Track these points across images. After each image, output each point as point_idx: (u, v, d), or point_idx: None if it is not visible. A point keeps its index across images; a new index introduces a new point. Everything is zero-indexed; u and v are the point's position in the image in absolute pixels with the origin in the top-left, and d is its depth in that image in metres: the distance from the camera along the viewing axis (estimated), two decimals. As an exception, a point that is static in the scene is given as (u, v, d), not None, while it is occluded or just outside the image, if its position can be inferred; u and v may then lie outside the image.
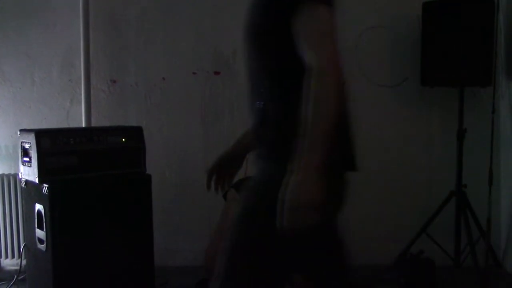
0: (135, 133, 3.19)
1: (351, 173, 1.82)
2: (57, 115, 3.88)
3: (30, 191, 3.08)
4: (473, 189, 3.59)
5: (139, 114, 3.90)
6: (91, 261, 2.94)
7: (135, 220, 3.09)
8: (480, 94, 3.82)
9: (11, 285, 3.41)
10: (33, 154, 2.94)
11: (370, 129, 3.92)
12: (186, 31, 3.83)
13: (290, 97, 1.59)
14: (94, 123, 3.81)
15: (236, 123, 3.86)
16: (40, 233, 2.96)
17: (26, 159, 3.03)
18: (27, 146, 3.01)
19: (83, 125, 3.78)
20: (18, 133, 3.14)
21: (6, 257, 3.74)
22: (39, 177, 2.91)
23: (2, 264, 3.80)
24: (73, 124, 3.85)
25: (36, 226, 2.99)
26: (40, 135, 2.93)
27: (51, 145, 2.94)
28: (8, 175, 3.72)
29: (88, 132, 3.17)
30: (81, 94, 3.82)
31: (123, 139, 3.15)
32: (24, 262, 3.33)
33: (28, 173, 3.03)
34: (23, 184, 3.16)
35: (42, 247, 2.94)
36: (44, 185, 2.88)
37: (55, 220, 2.86)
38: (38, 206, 2.96)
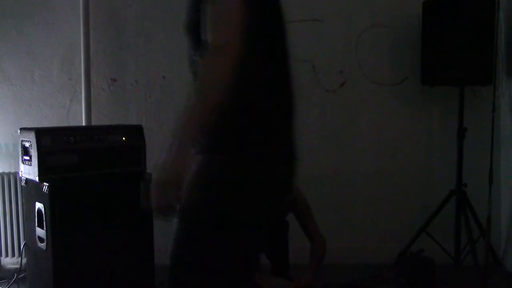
0: (135, 132, 3.19)
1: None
2: (57, 113, 3.88)
3: (30, 189, 3.08)
4: (473, 188, 3.60)
5: (139, 112, 3.90)
6: (91, 260, 2.94)
7: (136, 219, 3.09)
8: (480, 93, 3.82)
9: (12, 284, 3.42)
10: (33, 152, 2.94)
11: (370, 128, 3.93)
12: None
13: None
14: (94, 122, 3.81)
15: (236, 122, 3.85)
16: (40, 232, 2.96)
17: (26, 157, 3.04)
18: (27, 144, 3.01)
19: (83, 124, 3.78)
20: (18, 131, 3.14)
21: (7, 255, 3.75)
22: (39, 175, 2.91)
23: (2, 263, 3.80)
24: (73, 123, 3.85)
25: (36, 224, 2.99)
26: (40, 133, 2.94)
27: (51, 144, 2.94)
28: (8, 174, 3.72)
29: (88, 131, 3.18)
30: (81, 93, 3.82)
31: (123, 138, 3.15)
32: (24, 260, 3.33)
33: (28, 171, 3.03)
34: (23, 183, 3.16)
35: (42, 245, 2.94)
36: (44, 183, 2.88)
37: (55, 219, 2.86)
38: (38, 205, 2.96)
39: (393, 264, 3.69)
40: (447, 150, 3.79)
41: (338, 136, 3.93)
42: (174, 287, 1.72)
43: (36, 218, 2.98)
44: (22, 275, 3.38)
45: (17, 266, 3.49)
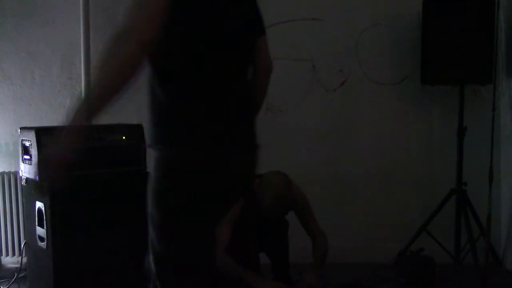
0: (136, 131, 3.19)
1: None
2: (57, 112, 3.87)
3: (30, 189, 3.08)
4: (473, 187, 3.60)
5: (139, 112, 3.89)
6: (92, 259, 2.94)
7: (136, 218, 3.08)
8: (480, 92, 3.82)
9: (12, 283, 3.42)
10: (34, 152, 2.94)
11: (370, 127, 3.93)
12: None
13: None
14: (94, 121, 3.80)
15: (236, 121, 3.85)
16: (40, 231, 2.97)
17: (27, 157, 3.04)
18: (27, 144, 3.02)
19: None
20: (19, 131, 3.14)
21: (7, 255, 3.75)
22: (39, 175, 2.90)
23: (2, 262, 3.80)
24: (73, 122, 3.84)
25: (36, 224, 2.99)
26: (41, 133, 2.94)
27: (52, 143, 2.93)
28: (8, 173, 3.72)
29: (88, 130, 3.17)
30: (81, 92, 3.82)
31: (124, 137, 3.15)
32: (24, 260, 3.33)
33: (29, 170, 3.03)
34: (23, 182, 3.16)
35: (43, 245, 2.94)
36: (45, 182, 2.88)
37: (56, 218, 2.86)
38: (39, 204, 2.97)
39: (393, 264, 3.69)
40: (447, 149, 3.79)
41: (338, 135, 3.93)
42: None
43: (37, 217, 2.98)
44: (23, 274, 3.38)
45: (18, 265, 3.49)
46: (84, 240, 2.92)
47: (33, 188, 3.03)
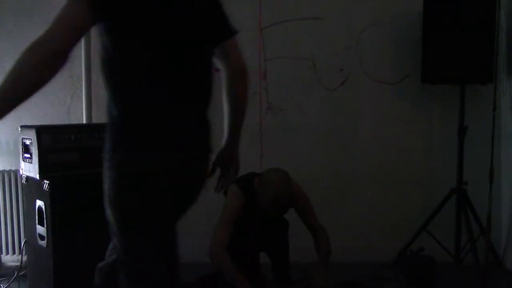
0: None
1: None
2: (58, 111, 3.88)
3: (31, 187, 3.08)
4: (473, 186, 3.59)
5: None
6: (91, 257, 2.94)
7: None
8: (481, 92, 3.82)
9: (12, 281, 3.42)
10: (34, 150, 2.94)
11: (370, 126, 3.93)
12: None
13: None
14: (95, 119, 3.81)
15: (236, 120, 3.85)
16: (40, 229, 2.97)
17: (27, 155, 3.04)
18: (28, 142, 3.02)
19: (84, 121, 3.78)
20: (19, 129, 3.14)
21: (7, 253, 3.75)
22: (39, 173, 2.91)
23: (3, 260, 3.81)
24: (74, 120, 3.85)
25: (36, 222, 2.99)
26: (41, 131, 2.94)
27: (52, 142, 2.94)
28: (9, 171, 3.72)
29: (89, 128, 3.18)
30: (82, 90, 3.82)
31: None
32: (25, 258, 3.34)
33: (29, 169, 3.03)
34: (24, 180, 3.16)
35: (43, 243, 2.95)
36: (45, 181, 2.88)
37: (56, 217, 2.86)
38: (39, 203, 2.97)
39: (393, 263, 3.69)
40: (447, 148, 3.79)
41: (339, 134, 3.93)
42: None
43: (37, 216, 2.98)
44: (23, 272, 3.38)
45: (18, 263, 3.49)
46: (84, 239, 2.92)
47: (34, 187, 3.03)
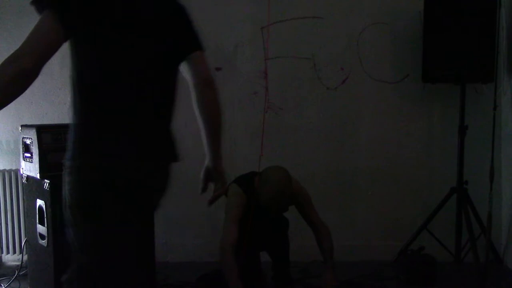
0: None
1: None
2: (58, 110, 3.87)
3: (31, 186, 3.08)
4: (474, 185, 3.59)
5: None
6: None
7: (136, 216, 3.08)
8: (481, 91, 3.81)
9: (13, 281, 3.42)
10: (35, 149, 2.94)
11: (371, 125, 3.92)
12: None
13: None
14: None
15: (236, 119, 3.86)
16: (41, 229, 2.97)
17: (28, 154, 3.04)
18: (28, 141, 3.02)
19: (84, 121, 3.78)
20: (20, 128, 3.14)
21: (8, 252, 3.76)
22: (40, 172, 2.91)
23: (3, 260, 3.81)
24: (74, 120, 3.84)
25: (37, 221, 2.99)
26: (42, 130, 2.94)
27: (53, 141, 2.94)
28: (9, 171, 3.73)
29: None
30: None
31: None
32: (25, 257, 3.33)
33: (30, 168, 3.03)
34: (24, 180, 3.16)
35: (43, 242, 2.94)
36: (45, 180, 2.88)
37: (56, 216, 2.86)
38: (39, 202, 2.96)
39: (394, 262, 3.69)
40: (448, 147, 3.79)
41: (339, 134, 3.93)
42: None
43: (37, 215, 2.98)
44: (23, 272, 3.38)
45: (18, 263, 3.50)
46: (85, 238, 2.91)
47: (34, 186, 3.03)
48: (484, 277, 3.28)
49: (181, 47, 1.90)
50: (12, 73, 1.67)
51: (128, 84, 1.77)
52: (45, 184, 2.88)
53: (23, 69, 1.69)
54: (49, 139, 2.93)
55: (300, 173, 3.18)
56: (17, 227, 3.72)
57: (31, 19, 1.64)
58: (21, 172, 3.17)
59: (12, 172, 3.71)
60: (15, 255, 3.74)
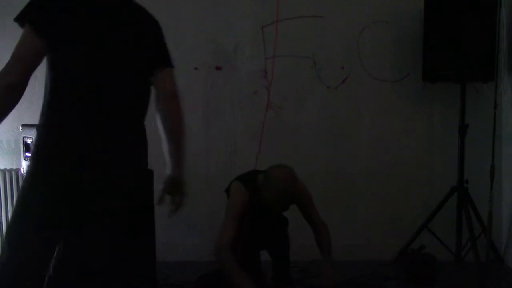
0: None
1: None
2: (59, 110, 3.87)
3: (31, 186, 3.08)
4: (474, 184, 3.60)
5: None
6: (93, 256, 2.94)
7: (137, 216, 3.08)
8: (482, 90, 3.81)
9: (13, 280, 3.42)
10: (35, 149, 2.93)
11: (371, 124, 3.92)
12: (187, 26, 3.82)
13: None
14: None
15: (237, 118, 3.86)
16: (41, 228, 2.96)
17: (28, 154, 3.04)
18: (29, 141, 3.02)
19: (85, 120, 3.78)
20: (20, 128, 3.14)
21: (8, 252, 3.75)
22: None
23: (4, 259, 3.81)
24: (74, 119, 3.84)
25: (37, 221, 2.99)
26: (42, 130, 2.93)
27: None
28: (10, 170, 3.72)
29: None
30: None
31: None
32: (26, 257, 3.33)
33: (30, 168, 3.03)
34: (24, 179, 3.16)
35: (44, 242, 2.94)
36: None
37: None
38: (40, 201, 2.96)
39: (394, 261, 3.69)
40: (448, 146, 3.79)
41: (339, 133, 3.93)
42: None
43: (38, 215, 2.98)
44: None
45: (19, 262, 3.49)
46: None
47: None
48: (484, 277, 3.28)
49: (151, 62, 1.96)
50: (1, 88, 1.83)
51: (90, 90, 1.85)
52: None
53: (10, 84, 1.84)
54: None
55: (300, 173, 3.18)
56: (18, 226, 3.72)
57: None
58: (22, 172, 3.17)
59: (12, 172, 3.71)
60: (16, 254, 3.74)
